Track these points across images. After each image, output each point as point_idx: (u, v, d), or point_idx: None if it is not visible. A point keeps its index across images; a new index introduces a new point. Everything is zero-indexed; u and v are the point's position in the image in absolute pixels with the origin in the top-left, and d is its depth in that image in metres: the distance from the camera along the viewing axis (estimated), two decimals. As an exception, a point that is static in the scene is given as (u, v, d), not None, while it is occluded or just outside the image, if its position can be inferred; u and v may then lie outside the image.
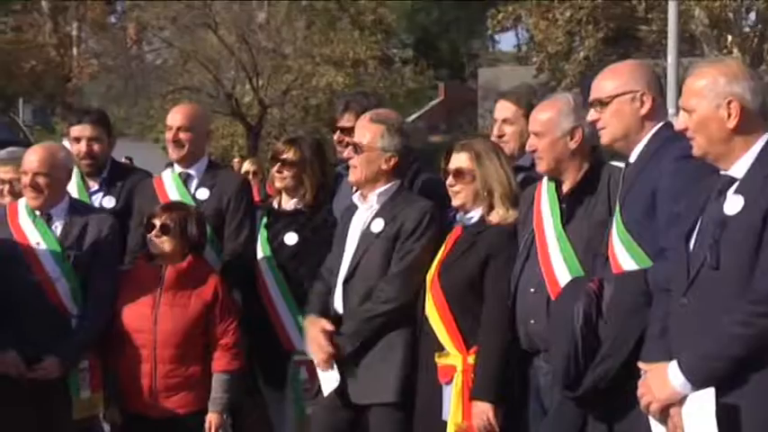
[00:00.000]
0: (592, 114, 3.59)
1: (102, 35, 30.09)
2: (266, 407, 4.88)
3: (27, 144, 5.78)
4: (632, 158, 3.54)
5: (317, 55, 25.35)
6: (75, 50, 30.41)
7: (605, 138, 3.58)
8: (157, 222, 4.52)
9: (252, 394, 4.70)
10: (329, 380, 4.31)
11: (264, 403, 4.88)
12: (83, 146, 5.11)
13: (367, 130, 4.40)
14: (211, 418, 4.51)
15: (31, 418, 4.52)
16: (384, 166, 4.35)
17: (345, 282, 4.38)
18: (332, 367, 4.30)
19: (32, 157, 4.60)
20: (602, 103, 3.53)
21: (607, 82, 3.56)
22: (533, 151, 3.97)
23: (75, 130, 5.16)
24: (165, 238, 4.51)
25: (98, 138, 5.14)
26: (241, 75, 24.94)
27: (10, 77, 29.69)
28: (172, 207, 4.63)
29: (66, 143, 5.19)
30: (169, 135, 4.95)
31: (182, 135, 4.90)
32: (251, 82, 24.42)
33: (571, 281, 3.66)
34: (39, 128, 28.28)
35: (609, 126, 3.54)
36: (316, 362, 4.35)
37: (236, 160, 17.10)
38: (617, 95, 3.51)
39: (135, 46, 30.74)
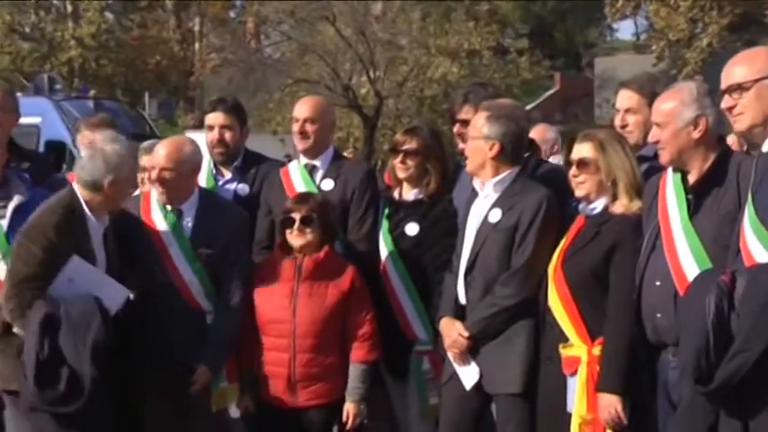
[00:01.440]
0: (726, 101, 3.50)
1: (223, 30, 30.72)
2: (389, 397, 4.93)
3: (153, 137, 5.91)
4: (765, 147, 3.45)
5: (433, 46, 25.32)
6: (197, 45, 31.13)
7: (743, 124, 3.48)
8: (297, 216, 4.56)
9: (375, 384, 4.72)
10: (469, 373, 4.35)
11: (387, 393, 4.92)
12: (215, 133, 5.20)
13: (473, 119, 4.48)
14: (349, 408, 4.57)
15: (169, 406, 4.64)
16: (490, 154, 4.35)
17: (466, 273, 4.41)
18: (469, 362, 4.33)
19: (159, 152, 4.65)
20: (742, 89, 3.44)
21: (744, 67, 3.47)
22: (656, 142, 3.90)
23: (209, 118, 5.26)
24: (308, 230, 4.56)
25: (230, 126, 5.21)
26: (358, 67, 25.10)
27: (136, 73, 30.61)
28: (308, 198, 4.67)
29: (189, 135, 5.30)
30: (296, 126, 4.99)
31: (308, 126, 4.96)
32: (367, 74, 24.56)
33: (701, 274, 3.57)
34: (162, 121, 29.06)
35: (748, 111, 3.44)
36: (451, 357, 4.39)
37: (348, 151, 17.28)
38: (759, 80, 3.42)
39: (254, 40, 31.26)
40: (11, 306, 4.26)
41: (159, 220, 4.68)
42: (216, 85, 29.80)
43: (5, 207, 4.66)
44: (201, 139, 5.24)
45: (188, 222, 4.69)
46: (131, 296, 4.35)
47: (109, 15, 31.23)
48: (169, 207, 4.68)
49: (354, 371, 4.58)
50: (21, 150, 5.54)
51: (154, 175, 4.63)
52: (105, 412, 4.27)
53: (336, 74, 24.52)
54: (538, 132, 6.75)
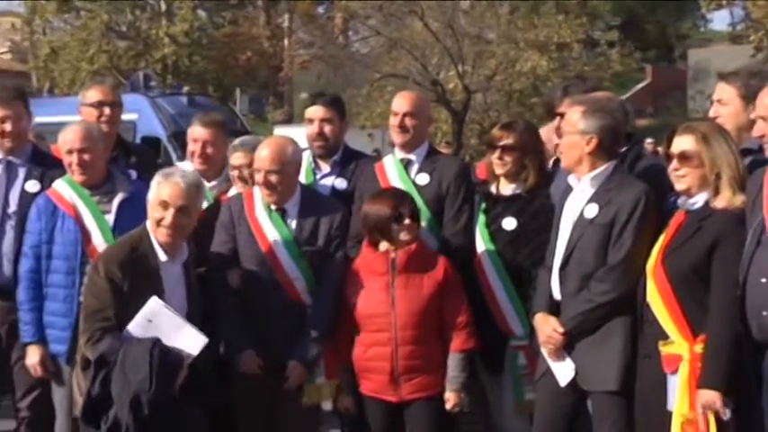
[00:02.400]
0: None
1: (312, 26, 30.98)
2: (484, 391, 4.92)
3: (244, 132, 5.97)
4: None
5: (521, 40, 25.14)
6: (286, 41, 31.46)
7: None
8: (406, 211, 4.59)
9: (470, 378, 4.72)
10: (564, 370, 4.32)
11: (483, 388, 4.91)
12: (315, 127, 5.23)
13: (567, 113, 4.42)
14: (450, 397, 4.58)
15: (264, 401, 4.71)
16: (587, 149, 4.30)
17: (561, 268, 4.37)
18: (564, 358, 4.31)
19: (264, 155, 4.68)
20: None
21: None
22: (761, 136, 3.82)
23: (309, 112, 5.29)
24: (414, 225, 4.60)
25: (330, 119, 5.23)
26: (446, 61, 25.05)
27: (227, 69, 31.10)
28: (405, 194, 4.71)
29: (277, 130, 5.35)
30: (395, 120, 5.00)
31: (408, 121, 4.97)
32: (456, 68, 24.50)
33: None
34: (252, 116, 29.44)
35: None
36: (546, 353, 4.37)
37: (442, 145, 17.25)
38: None
39: (342, 35, 31.46)
40: (84, 338, 4.32)
41: (264, 220, 4.74)
42: (305, 80, 30.08)
43: (110, 202, 4.80)
44: (290, 134, 5.29)
45: (292, 221, 4.75)
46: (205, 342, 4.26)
47: (201, 13, 31.80)
48: (274, 207, 4.75)
49: (453, 360, 4.59)
50: (126, 145, 5.69)
51: (260, 178, 4.68)
52: None
53: (425, 68, 24.51)
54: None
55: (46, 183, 4.96)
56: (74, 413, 4.51)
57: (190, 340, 4.21)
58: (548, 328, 4.34)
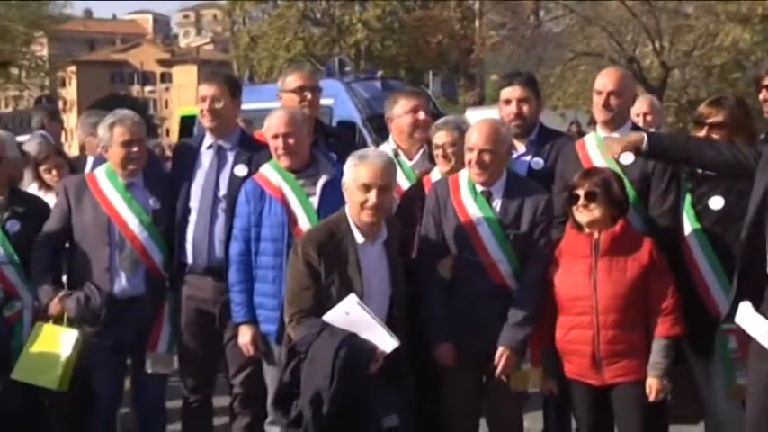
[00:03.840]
0: None
1: (503, 6, 30.75)
2: (693, 377, 4.78)
3: (438, 115, 6.01)
4: None
5: (722, 12, 24.06)
6: (476, 23, 31.34)
7: None
8: (581, 192, 4.52)
9: (678, 363, 4.59)
10: None
11: (691, 373, 4.77)
12: (513, 107, 5.21)
13: None
14: (652, 383, 4.47)
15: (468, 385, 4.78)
16: None
17: None
18: None
19: (475, 135, 4.69)
20: None
21: None
22: None
23: (506, 92, 5.27)
24: (592, 205, 4.51)
25: (527, 99, 5.22)
26: (641, 37, 24.34)
27: (418, 52, 31.33)
28: (591, 173, 4.62)
29: (469, 112, 5.34)
30: (599, 99, 4.92)
31: (612, 100, 4.88)
32: (653, 44, 23.76)
33: None
34: (443, 99, 29.56)
35: None
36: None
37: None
38: None
39: (533, 15, 31.07)
40: (286, 320, 4.46)
41: (469, 202, 4.75)
42: (496, 61, 29.92)
43: (315, 185, 4.92)
44: (483, 115, 5.27)
45: (497, 204, 4.74)
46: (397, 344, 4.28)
47: (394, -2, 32.16)
48: (479, 189, 4.75)
49: (657, 345, 4.48)
50: (325, 128, 5.84)
51: (473, 156, 4.68)
52: None
53: (620, 45, 23.89)
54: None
55: (253, 167, 5.12)
56: None
57: (381, 340, 4.24)
58: None
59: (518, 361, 4.68)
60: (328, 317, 4.28)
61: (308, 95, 5.51)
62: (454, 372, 4.73)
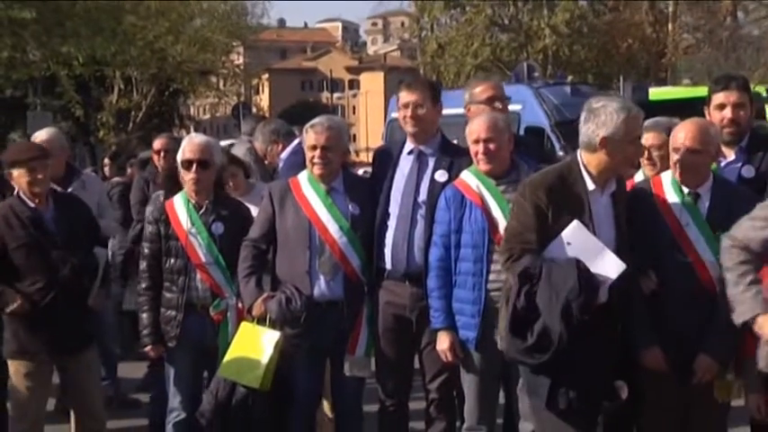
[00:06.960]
0: None
1: (698, 9, 29.74)
2: None
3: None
4: None
5: None
6: (670, 26, 30.44)
7: None
8: None
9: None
10: None
11: None
12: (728, 112, 5.02)
13: None
14: None
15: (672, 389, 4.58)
16: None
17: None
18: None
19: (682, 134, 4.56)
20: None
21: None
22: None
23: (720, 97, 5.07)
24: None
25: (743, 104, 5.03)
26: None
27: (607, 57, 30.69)
28: None
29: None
30: None
31: None
32: None
33: None
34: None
35: None
36: None
37: None
38: None
39: (730, 17, 29.89)
40: (503, 258, 4.43)
41: (675, 203, 4.61)
42: (690, 65, 28.95)
43: (515, 191, 4.84)
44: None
45: (704, 206, 4.58)
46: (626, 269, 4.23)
47: (583, 2, 31.61)
48: (686, 190, 4.60)
49: None
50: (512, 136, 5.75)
51: (678, 156, 4.56)
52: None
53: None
54: None
55: (454, 173, 5.11)
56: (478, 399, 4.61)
57: (609, 265, 4.21)
58: None
59: (722, 370, 4.47)
60: (550, 249, 4.26)
61: (498, 106, 5.48)
62: (656, 382, 4.54)
